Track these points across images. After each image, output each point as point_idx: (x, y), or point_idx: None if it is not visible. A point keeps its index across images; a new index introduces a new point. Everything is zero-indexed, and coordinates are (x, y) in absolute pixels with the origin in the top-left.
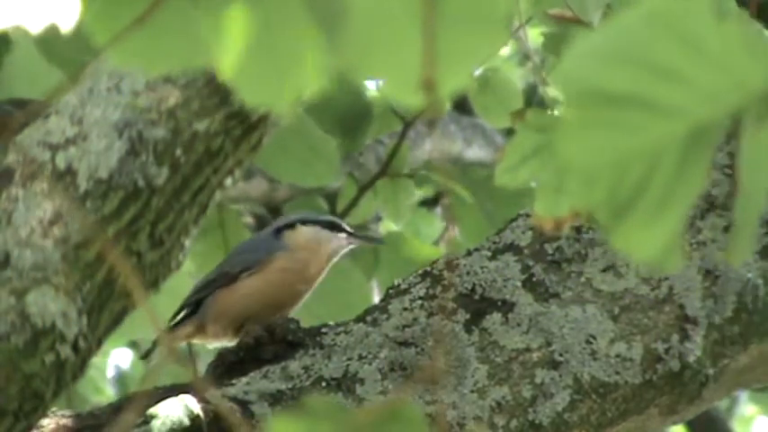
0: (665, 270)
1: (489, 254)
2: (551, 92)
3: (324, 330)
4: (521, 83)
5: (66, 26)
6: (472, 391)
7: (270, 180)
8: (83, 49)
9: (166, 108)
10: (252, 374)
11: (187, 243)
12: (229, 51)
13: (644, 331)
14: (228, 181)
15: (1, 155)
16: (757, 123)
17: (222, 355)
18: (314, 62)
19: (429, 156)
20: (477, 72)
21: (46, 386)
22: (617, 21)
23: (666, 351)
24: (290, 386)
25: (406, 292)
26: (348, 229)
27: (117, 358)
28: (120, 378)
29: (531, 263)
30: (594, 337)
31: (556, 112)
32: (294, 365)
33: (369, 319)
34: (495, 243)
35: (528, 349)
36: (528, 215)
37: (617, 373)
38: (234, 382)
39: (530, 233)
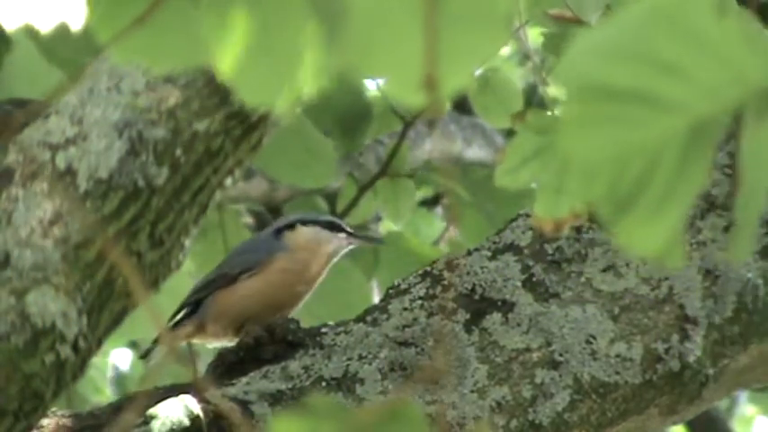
0: (667, 265)
1: (489, 254)
2: (551, 92)
3: (324, 330)
4: (521, 83)
5: (76, 25)
6: (472, 391)
7: (270, 180)
8: (83, 48)
9: (166, 108)
10: (252, 374)
11: (187, 243)
12: (229, 51)
13: (644, 331)
14: (228, 181)
15: (1, 155)
16: (758, 119)
17: (222, 355)
18: (313, 62)
19: (429, 156)
20: (478, 72)
21: (46, 386)
22: (618, 16)
23: (666, 351)
24: (290, 386)
25: (406, 292)
26: (348, 229)
27: (117, 358)
28: (119, 378)
29: (531, 263)
30: (594, 337)
31: (556, 113)
32: (294, 365)
33: (369, 319)
34: (495, 243)
35: (528, 349)
36: (528, 215)
37: (617, 373)
38: (234, 382)
39: (530, 233)
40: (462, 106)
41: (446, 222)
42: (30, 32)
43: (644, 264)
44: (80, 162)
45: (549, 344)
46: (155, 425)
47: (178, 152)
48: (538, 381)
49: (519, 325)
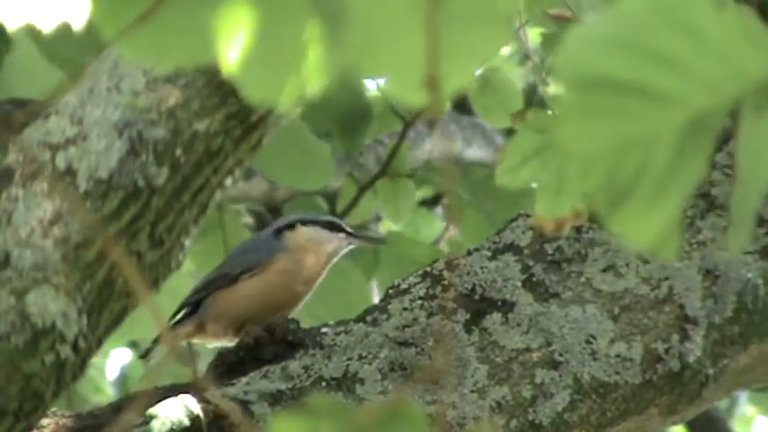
0: (662, 257)
1: (489, 254)
2: (551, 92)
3: (324, 330)
4: (521, 83)
5: (78, 24)
6: (472, 391)
7: (270, 180)
8: (84, 48)
9: (166, 108)
10: (252, 374)
11: (187, 243)
12: (233, 47)
13: (644, 331)
14: (228, 181)
15: (1, 155)
16: (756, 113)
17: (222, 355)
18: (317, 58)
19: (429, 156)
20: (478, 72)
21: (46, 386)
22: (617, 8)
23: (666, 351)
24: (290, 386)
25: (406, 292)
26: (348, 229)
27: (119, 359)
28: (122, 378)
29: (531, 263)
30: (594, 337)
31: (556, 112)
32: (294, 365)
33: (369, 319)
34: (495, 243)
35: (528, 349)
36: (528, 215)
37: (617, 373)
38: (234, 382)
39: (530, 233)
40: (462, 106)
41: (446, 222)
42: (31, 32)
43: (644, 264)
44: (80, 162)
45: (549, 344)
46: (155, 425)
47: (178, 152)
48: (538, 381)
49: (519, 325)
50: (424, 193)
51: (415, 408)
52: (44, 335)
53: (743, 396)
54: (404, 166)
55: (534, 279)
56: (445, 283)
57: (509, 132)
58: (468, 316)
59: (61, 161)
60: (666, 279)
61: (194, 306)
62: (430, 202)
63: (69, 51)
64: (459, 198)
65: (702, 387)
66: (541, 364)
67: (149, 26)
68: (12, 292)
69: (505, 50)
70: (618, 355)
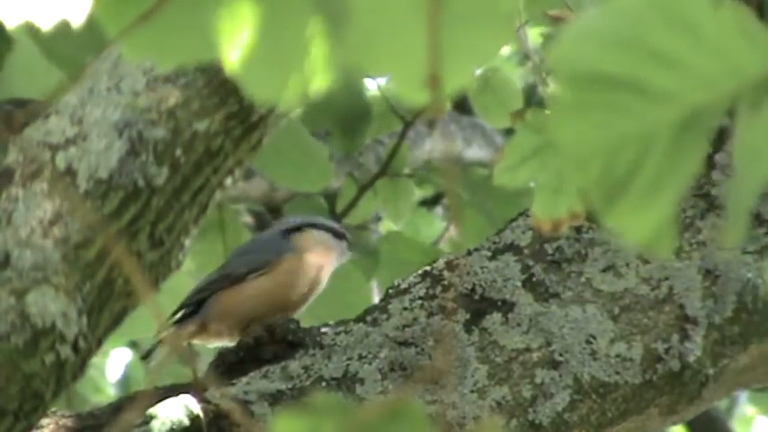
0: (657, 254)
1: (489, 254)
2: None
3: (324, 330)
4: (521, 83)
5: (77, 22)
6: (472, 391)
7: (270, 180)
8: (84, 46)
9: (166, 108)
10: (252, 374)
11: (187, 243)
12: (236, 45)
13: (644, 331)
14: (228, 181)
15: (1, 155)
16: (752, 110)
17: (222, 355)
18: (320, 57)
19: (429, 156)
20: (478, 72)
21: (46, 386)
22: (613, 4)
23: (666, 351)
24: (290, 386)
25: (406, 292)
26: (349, 238)
27: (119, 359)
28: (122, 379)
29: (531, 263)
30: (594, 337)
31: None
32: (294, 365)
33: (369, 319)
34: (495, 243)
35: (528, 349)
36: (528, 215)
37: (617, 373)
38: (234, 381)
39: (530, 233)
40: (462, 106)
41: (446, 222)
42: (30, 30)
43: (644, 264)
44: (80, 162)
45: (549, 344)
46: (155, 425)
47: (178, 152)
48: (538, 381)
49: (519, 325)
50: (424, 193)
51: (416, 406)
52: (44, 335)
53: (743, 396)
54: (404, 166)
55: (534, 279)
56: (445, 283)
57: (509, 132)
58: (468, 316)
59: (61, 161)
60: (666, 279)
61: (195, 306)
62: (430, 202)
63: (69, 49)
64: (459, 198)
65: (702, 387)
66: (541, 364)
67: (151, 25)
68: (12, 292)
69: (505, 50)
70: (618, 355)
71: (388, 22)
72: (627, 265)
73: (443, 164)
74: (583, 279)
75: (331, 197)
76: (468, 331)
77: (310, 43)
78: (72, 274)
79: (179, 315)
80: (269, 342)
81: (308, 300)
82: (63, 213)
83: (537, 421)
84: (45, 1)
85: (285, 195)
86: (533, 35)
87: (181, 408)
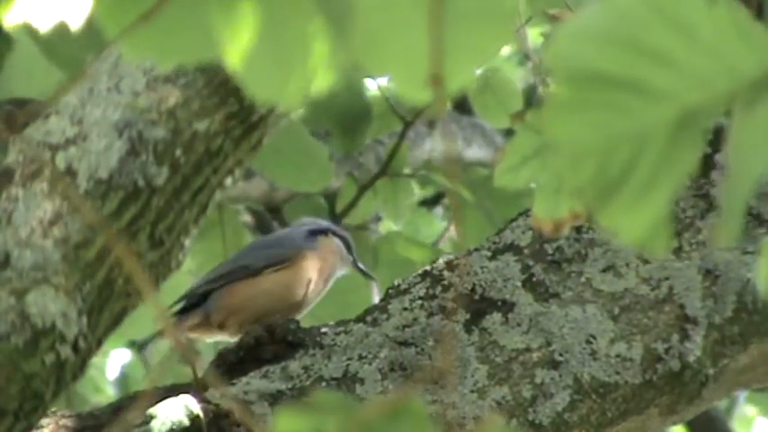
0: (652, 253)
1: (489, 254)
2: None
3: (324, 330)
4: (521, 83)
5: (76, 24)
6: (472, 391)
7: (270, 180)
8: (84, 45)
9: (166, 108)
10: (252, 374)
11: (187, 243)
12: (237, 45)
13: (644, 331)
14: (228, 181)
15: (1, 155)
16: (747, 109)
17: (222, 354)
18: (322, 56)
19: (429, 156)
20: (478, 72)
21: (46, 386)
22: (611, 3)
23: (666, 351)
24: (290, 386)
25: (406, 292)
26: (355, 255)
27: (119, 359)
28: (122, 379)
29: (531, 263)
30: (594, 337)
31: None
32: (294, 365)
33: (369, 319)
34: (495, 243)
35: (528, 349)
36: (528, 215)
37: (617, 373)
38: (234, 381)
39: (530, 233)
40: (462, 106)
41: (446, 222)
42: (30, 30)
43: (644, 264)
44: (80, 162)
45: (549, 344)
46: (155, 425)
47: (178, 152)
48: (538, 381)
49: (519, 325)
50: (424, 193)
51: (417, 405)
52: (44, 335)
53: (743, 396)
54: (404, 166)
55: (534, 279)
56: (445, 283)
57: (509, 132)
58: (468, 316)
59: (61, 161)
60: (666, 279)
61: (200, 298)
62: (430, 202)
63: (69, 49)
64: (460, 198)
65: (702, 387)
66: (541, 364)
67: (151, 25)
68: (12, 292)
69: (505, 50)
70: (618, 355)
71: (391, 21)
72: (627, 265)
73: (444, 164)
74: (583, 279)
75: (331, 197)
76: (469, 331)
77: (311, 43)
78: (72, 274)
79: (180, 306)
80: (269, 342)
81: (314, 301)
82: (63, 213)
83: (537, 421)
84: (44, 2)
85: (285, 195)
86: (533, 35)
87: (181, 408)
